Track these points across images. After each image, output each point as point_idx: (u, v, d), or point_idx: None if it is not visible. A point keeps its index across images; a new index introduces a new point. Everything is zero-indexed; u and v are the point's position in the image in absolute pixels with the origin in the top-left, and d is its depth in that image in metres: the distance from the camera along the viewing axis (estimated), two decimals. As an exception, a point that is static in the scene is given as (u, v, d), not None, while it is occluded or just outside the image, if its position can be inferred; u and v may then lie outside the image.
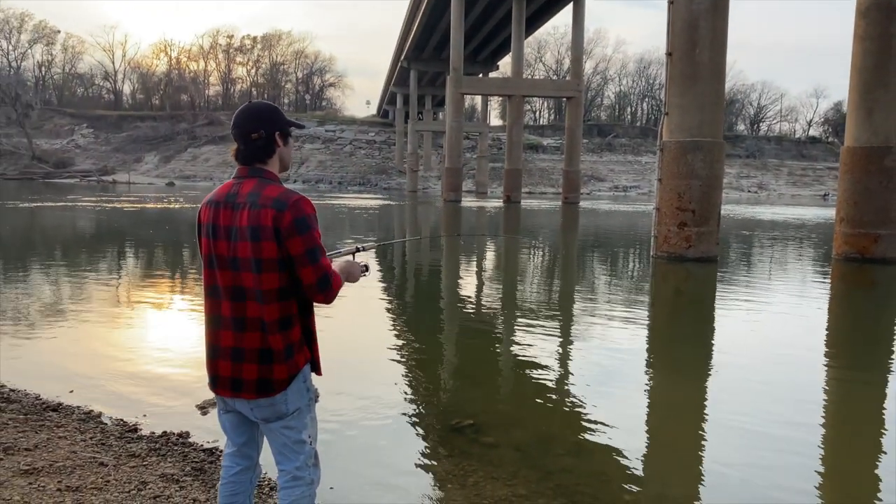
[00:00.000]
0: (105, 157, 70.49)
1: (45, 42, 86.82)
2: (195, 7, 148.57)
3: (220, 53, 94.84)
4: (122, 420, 3.94)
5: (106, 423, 3.87)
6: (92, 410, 4.07)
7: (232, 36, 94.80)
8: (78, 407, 4.11)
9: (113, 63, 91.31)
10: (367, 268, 2.37)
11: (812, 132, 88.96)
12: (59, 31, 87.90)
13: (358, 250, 2.45)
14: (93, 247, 14.41)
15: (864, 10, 12.89)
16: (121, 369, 5.09)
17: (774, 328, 7.55)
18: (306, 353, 2.14)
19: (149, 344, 5.97)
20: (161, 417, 4.03)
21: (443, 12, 44.80)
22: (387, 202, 38.07)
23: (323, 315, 7.54)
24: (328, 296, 2.07)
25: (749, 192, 65.17)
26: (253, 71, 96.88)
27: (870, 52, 12.76)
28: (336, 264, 2.23)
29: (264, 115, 2.14)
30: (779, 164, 73.49)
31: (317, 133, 73.15)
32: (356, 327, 7.16)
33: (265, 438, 2.23)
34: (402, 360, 5.88)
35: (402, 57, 61.91)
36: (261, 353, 2.04)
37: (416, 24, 50.70)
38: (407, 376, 5.32)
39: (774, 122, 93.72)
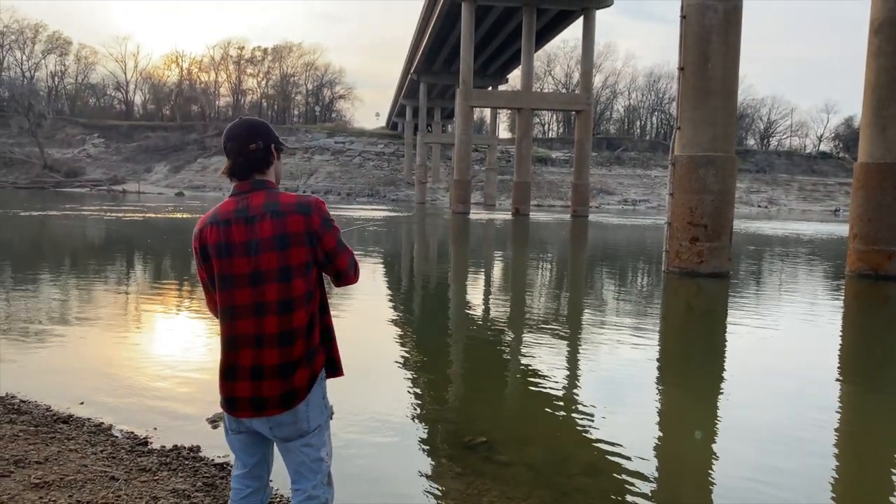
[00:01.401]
0: (116, 166, 71.04)
1: (59, 52, 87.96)
2: (207, 19, 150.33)
3: (231, 65, 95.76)
4: (132, 433, 3.90)
5: (116, 436, 3.84)
6: (102, 423, 4.04)
7: (243, 47, 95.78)
8: (88, 419, 4.08)
9: (125, 73, 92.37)
10: None
11: (822, 147, 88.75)
12: (72, 42, 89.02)
13: None
14: (99, 256, 14.46)
15: (877, 27, 12.85)
16: (130, 381, 5.07)
17: (787, 345, 7.46)
18: (321, 356, 2.12)
19: (158, 355, 5.95)
20: (171, 431, 3.99)
21: (453, 26, 45.07)
22: (395, 214, 38.13)
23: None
24: (357, 274, 2.19)
25: (759, 206, 64.93)
26: (263, 82, 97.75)
27: (884, 69, 12.70)
28: None
29: (259, 128, 2.15)
30: (789, 179, 73.27)
31: (326, 145, 73.57)
32: (361, 341, 7.11)
33: (275, 458, 2.19)
34: (411, 375, 5.83)
35: (412, 70, 62.26)
36: (281, 368, 2.01)
37: (427, 37, 51.01)
38: (416, 392, 5.27)
39: (785, 136, 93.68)
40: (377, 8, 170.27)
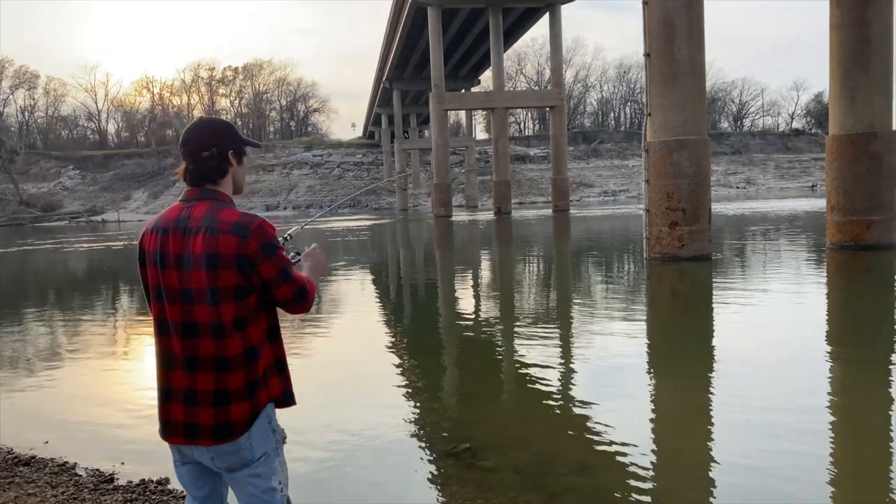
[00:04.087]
0: (93, 196, 70.25)
1: (27, 87, 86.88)
2: (175, 42, 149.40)
3: (203, 86, 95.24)
4: (97, 470, 3.72)
5: (80, 475, 3.65)
6: (66, 462, 3.86)
7: (213, 68, 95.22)
8: (52, 459, 3.90)
9: (96, 103, 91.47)
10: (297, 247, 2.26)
11: (795, 124, 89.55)
12: (39, 75, 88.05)
13: (301, 229, 2.34)
14: (62, 290, 14.17)
15: (837, 0, 12.90)
16: (98, 415, 4.87)
17: (774, 323, 7.39)
18: (272, 387, 1.95)
19: (125, 387, 5.75)
20: (139, 464, 3.81)
21: (421, 31, 44.99)
22: (378, 221, 37.93)
23: (309, 333, 7.40)
24: (306, 305, 1.98)
25: (737, 188, 65.33)
26: (236, 101, 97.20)
27: (847, 40, 12.75)
28: (305, 266, 2.12)
29: (216, 132, 1.98)
30: (765, 159, 73.81)
31: (304, 158, 73.17)
32: (344, 347, 6.96)
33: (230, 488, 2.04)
34: (394, 380, 5.67)
35: (385, 78, 62.14)
36: (216, 395, 1.85)
37: (396, 44, 50.92)
38: (399, 398, 5.11)
39: (757, 117, 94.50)
40: (345, 19, 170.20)
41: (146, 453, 4.04)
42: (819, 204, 29.46)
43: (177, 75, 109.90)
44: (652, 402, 4.92)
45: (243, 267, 1.84)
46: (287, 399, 2.01)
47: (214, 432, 1.86)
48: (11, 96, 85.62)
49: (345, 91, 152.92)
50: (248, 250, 1.84)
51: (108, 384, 5.87)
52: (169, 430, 1.91)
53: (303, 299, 1.95)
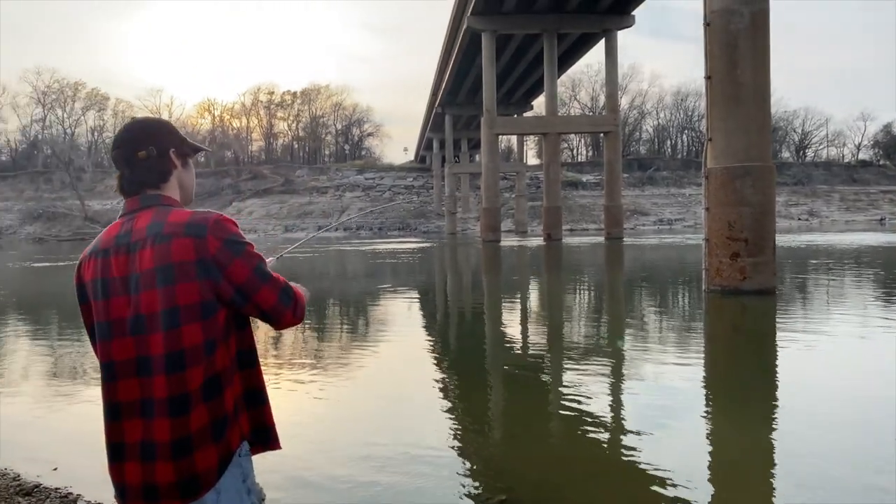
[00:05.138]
0: (153, 214, 72.68)
1: (97, 108, 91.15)
2: (237, 67, 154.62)
3: (262, 110, 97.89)
4: (100, 505, 3.44)
5: (81, 510, 3.37)
6: (71, 492, 3.59)
7: (272, 92, 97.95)
8: (56, 489, 3.63)
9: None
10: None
11: (862, 156, 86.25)
12: (109, 98, 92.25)
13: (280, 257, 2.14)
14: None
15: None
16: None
17: (847, 364, 6.71)
18: (243, 425, 1.59)
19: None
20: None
21: (474, 58, 45.14)
22: (425, 245, 37.78)
23: (339, 358, 7.08)
24: (297, 310, 1.62)
25: (800, 219, 62.99)
26: (294, 125, 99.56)
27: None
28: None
29: (153, 129, 1.68)
30: (829, 190, 71.14)
31: (357, 182, 74.26)
32: (376, 375, 6.59)
33: None
34: (428, 414, 5.26)
35: (437, 103, 62.57)
36: (175, 446, 1.50)
37: (449, 70, 51.23)
38: (431, 436, 4.69)
39: (821, 147, 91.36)
40: (401, 45, 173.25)
41: (154, 488, 3.74)
42: (889, 238, 27.91)
43: (237, 98, 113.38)
44: (709, 448, 4.39)
45: (208, 274, 1.51)
46: (263, 440, 1.64)
47: (180, 490, 1.51)
48: (83, 117, 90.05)
49: (399, 116, 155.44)
50: (210, 251, 1.51)
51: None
52: (126, 494, 1.57)
53: (290, 301, 1.60)
